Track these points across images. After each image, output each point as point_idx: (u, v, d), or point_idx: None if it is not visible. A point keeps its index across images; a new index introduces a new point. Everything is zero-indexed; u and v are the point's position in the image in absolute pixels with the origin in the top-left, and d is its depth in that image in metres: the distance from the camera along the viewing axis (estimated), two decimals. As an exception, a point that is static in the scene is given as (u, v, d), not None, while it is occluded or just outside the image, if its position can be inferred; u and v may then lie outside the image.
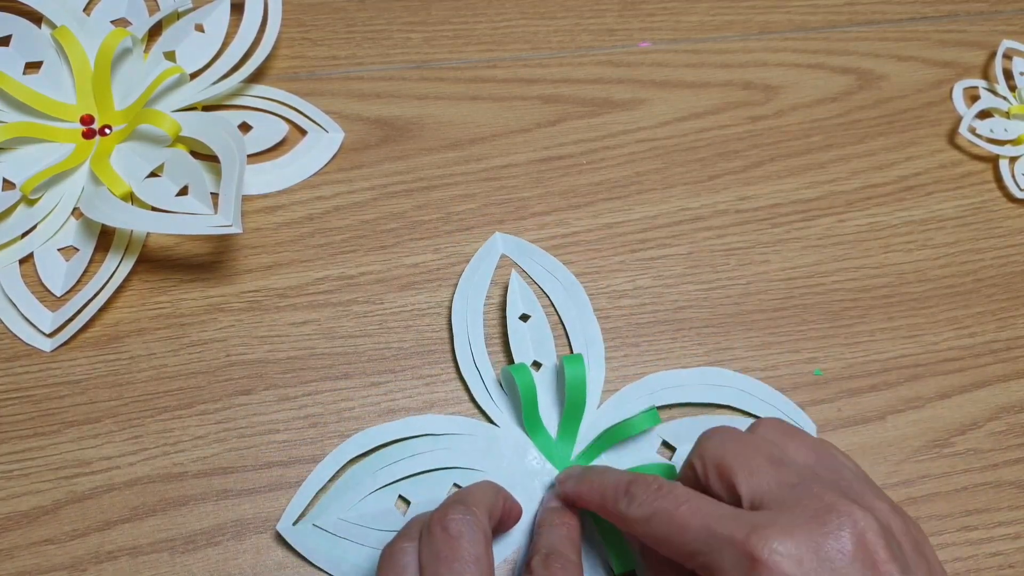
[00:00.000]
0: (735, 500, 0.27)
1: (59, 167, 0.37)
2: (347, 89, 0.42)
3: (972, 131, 0.43)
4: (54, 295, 0.36)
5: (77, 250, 0.37)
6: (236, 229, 0.34)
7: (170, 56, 0.40)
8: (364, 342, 0.37)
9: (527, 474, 0.34)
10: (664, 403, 0.36)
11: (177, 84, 0.39)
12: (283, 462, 0.34)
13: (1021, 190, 0.43)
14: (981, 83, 0.46)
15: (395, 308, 0.37)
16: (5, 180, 0.37)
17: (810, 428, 0.37)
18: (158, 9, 0.42)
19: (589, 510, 0.31)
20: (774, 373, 0.38)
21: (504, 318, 0.37)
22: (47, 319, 0.35)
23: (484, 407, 0.35)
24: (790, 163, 0.42)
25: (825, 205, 0.42)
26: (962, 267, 0.41)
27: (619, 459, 0.35)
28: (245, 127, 0.40)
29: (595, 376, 0.36)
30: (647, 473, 0.29)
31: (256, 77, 0.41)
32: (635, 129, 0.42)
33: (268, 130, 0.40)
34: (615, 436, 0.34)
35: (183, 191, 0.36)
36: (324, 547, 0.32)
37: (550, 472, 0.34)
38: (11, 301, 0.36)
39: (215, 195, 0.36)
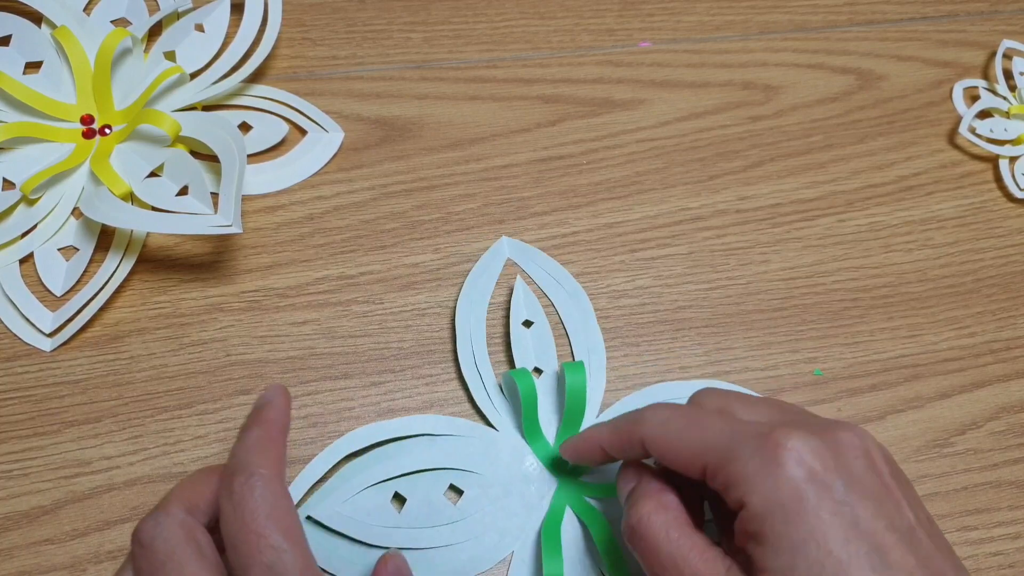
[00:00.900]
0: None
1: (59, 167, 0.37)
2: (347, 89, 0.42)
3: (972, 131, 0.43)
4: (54, 295, 0.36)
5: (77, 250, 0.37)
6: (236, 229, 0.34)
7: (170, 56, 0.40)
8: (364, 342, 0.37)
9: (523, 479, 0.34)
10: None
11: (177, 84, 0.39)
12: (283, 462, 0.34)
13: (1021, 190, 0.43)
14: (981, 83, 0.46)
15: (395, 308, 0.37)
16: (5, 180, 0.37)
17: None
18: (158, 9, 0.42)
19: (599, 456, 0.30)
20: (774, 373, 0.38)
21: (507, 320, 0.37)
22: (47, 319, 0.35)
23: (484, 410, 0.35)
24: (790, 163, 0.42)
25: (825, 205, 0.42)
26: (962, 267, 0.41)
27: (616, 469, 0.35)
28: (245, 127, 0.40)
29: (596, 384, 0.36)
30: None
31: (256, 77, 0.41)
32: (635, 129, 0.42)
33: (268, 130, 0.40)
34: None
35: (183, 191, 0.36)
36: (316, 539, 0.32)
37: (547, 479, 0.34)
38: (11, 301, 0.36)
39: (215, 195, 0.36)
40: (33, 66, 0.39)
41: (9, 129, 0.37)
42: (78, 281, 0.36)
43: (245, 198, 0.39)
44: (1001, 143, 0.44)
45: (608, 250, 0.40)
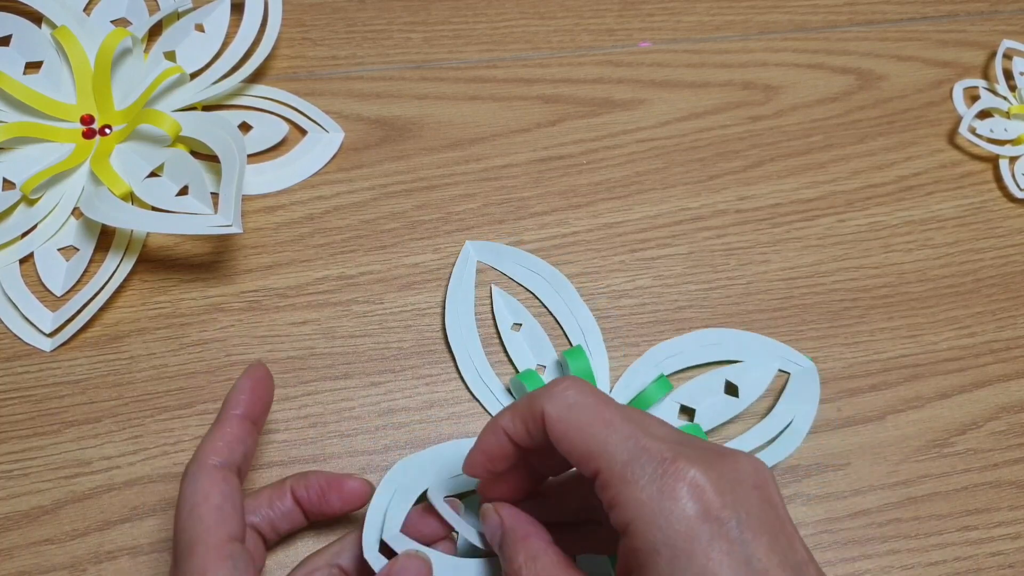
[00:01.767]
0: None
1: (59, 167, 0.37)
2: (347, 89, 0.42)
3: (972, 131, 0.43)
4: (54, 295, 0.36)
5: (77, 250, 0.37)
6: (236, 229, 0.34)
7: (170, 56, 0.40)
8: (364, 342, 0.37)
9: None
10: (670, 371, 0.36)
11: (177, 84, 0.39)
12: (283, 462, 0.34)
13: (1021, 190, 0.43)
14: (981, 83, 0.46)
15: (395, 308, 0.37)
16: (5, 180, 0.37)
17: (806, 365, 0.37)
18: (158, 9, 0.42)
19: (505, 446, 0.27)
20: (774, 373, 0.38)
21: (496, 326, 0.37)
22: (47, 319, 0.35)
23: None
24: (790, 163, 0.42)
25: (825, 205, 0.42)
26: (962, 267, 0.41)
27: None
28: (245, 127, 0.40)
29: (600, 362, 0.36)
30: None
31: (256, 77, 0.41)
32: (635, 129, 0.42)
33: (268, 130, 0.40)
34: None
35: (183, 191, 0.36)
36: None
37: None
38: (11, 301, 0.36)
39: (215, 195, 0.36)
40: (33, 66, 0.39)
41: (9, 129, 0.37)
42: (78, 281, 0.36)
43: (245, 198, 0.39)
44: (1001, 143, 0.44)
45: (608, 250, 0.40)
